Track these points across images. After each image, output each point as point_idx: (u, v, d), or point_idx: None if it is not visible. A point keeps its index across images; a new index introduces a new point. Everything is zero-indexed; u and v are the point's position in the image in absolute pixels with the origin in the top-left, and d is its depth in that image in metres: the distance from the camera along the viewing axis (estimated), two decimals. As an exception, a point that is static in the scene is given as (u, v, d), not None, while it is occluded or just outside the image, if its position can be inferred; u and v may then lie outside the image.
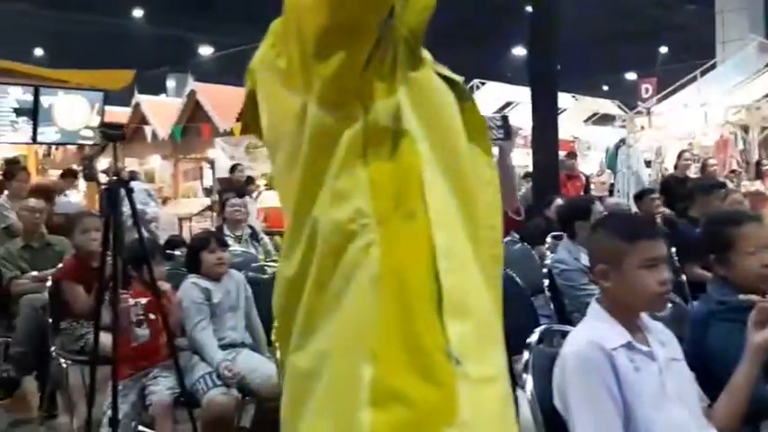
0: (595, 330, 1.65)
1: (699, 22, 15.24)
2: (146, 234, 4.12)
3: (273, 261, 4.85)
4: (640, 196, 5.32)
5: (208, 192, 12.61)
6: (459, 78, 1.05)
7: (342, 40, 0.86)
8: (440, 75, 1.01)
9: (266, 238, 5.71)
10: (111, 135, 2.98)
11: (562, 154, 8.48)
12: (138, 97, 12.69)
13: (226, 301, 3.31)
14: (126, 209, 3.02)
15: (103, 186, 3.15)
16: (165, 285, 3.16)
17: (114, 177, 2.96)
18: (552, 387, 1.64)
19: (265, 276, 3.97)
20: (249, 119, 1.12)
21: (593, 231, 1.84)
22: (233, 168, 8.31)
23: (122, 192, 2.92)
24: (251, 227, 5.73)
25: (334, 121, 0.90)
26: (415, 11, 0.94)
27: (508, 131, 2.35)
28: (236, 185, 7.63)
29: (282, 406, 1.00)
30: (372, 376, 0.84)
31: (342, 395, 0.88)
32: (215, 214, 10.74)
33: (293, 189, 0.95)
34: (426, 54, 1.01)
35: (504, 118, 2.40)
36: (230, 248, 4.44)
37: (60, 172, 7.21)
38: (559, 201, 5.08)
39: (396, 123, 0.91)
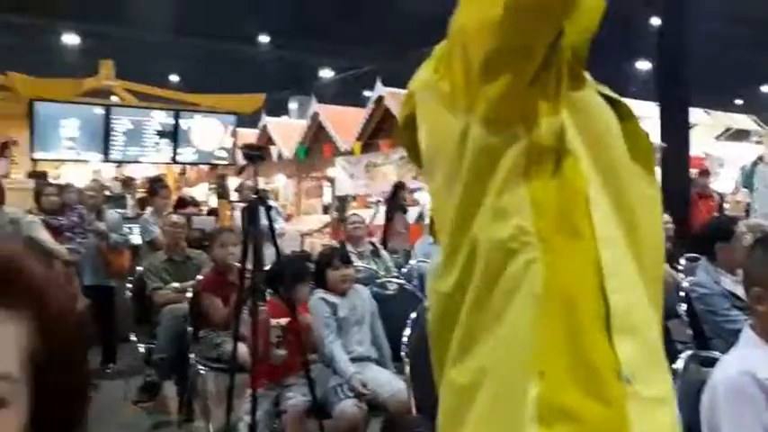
0: (748, 359, 1.55)
1: None
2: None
3: (394, 277, 4.92)
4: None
5: (326, 209, 13.00)
6: (619, 98, 1.04)
7: (509, 63, 0.88)
8: (601, 94, 1.01)
9: (386, 255, 5.80)
10: (252, 156, 3.17)
11: (693, 172, 8.05)
12: (266, 119, 13.34)
13: (351, 315, 3.40)
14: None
15: (244, 204, 3.32)
16: (306, 318, 3.23)
17: (254, 196, 3.14)
18: (699, 415, 1.56)
19: (388, 292, 4.04)
20: (406, 143, 1.16)
21: (752, 251, 1.72)
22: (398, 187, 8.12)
23: (261, 209, 3.10)
24: (372, 243, 5.84)
25: (497, 141, 0.92)
26: (578, 31, 0.94)
27: None
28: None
29: (439, 420, 1.02)
30: (539, 393, 0.85)
31: (505, 412, 0.89)
32: (330, 229, 11.11)
33: (452, 207, 0.97)
34: (587, 75, 1.01)
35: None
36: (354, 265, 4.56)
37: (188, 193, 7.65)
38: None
39: (559, 143, 0.92)
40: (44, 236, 4.98)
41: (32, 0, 13.64)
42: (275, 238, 3.22)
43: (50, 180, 6.74)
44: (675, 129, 6.90)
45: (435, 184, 1.04)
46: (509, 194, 0.92)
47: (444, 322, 1.00)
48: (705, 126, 12.84)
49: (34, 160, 7.14)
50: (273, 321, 3.17)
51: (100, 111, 7.12)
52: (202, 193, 12.27)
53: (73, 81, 7.37)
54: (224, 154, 7.95)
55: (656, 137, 7.08)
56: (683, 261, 4.44)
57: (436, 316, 1.03)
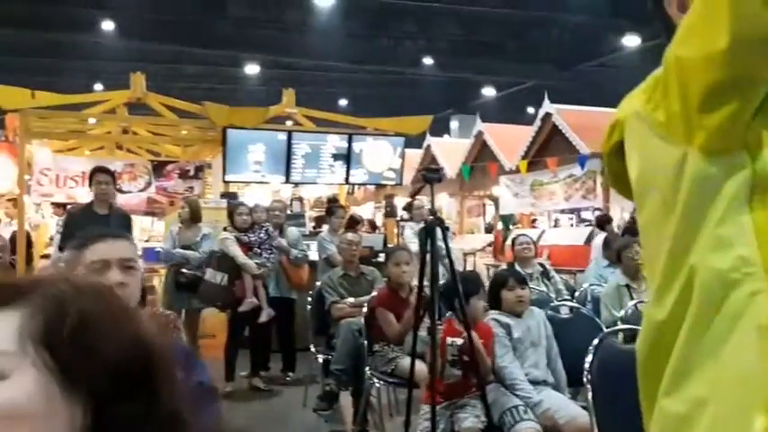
0: None
1: None
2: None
3: (565, 300, 4.82)
4: None
5: (488, 228, 12.95)
6: None
7: (731, 93, 0.88)
8: None
9: (557, 277, 5.69)
10: (430, 178, 3.29)
11: None
12: (429, 139, 13.62)
13: (526, 337, 3.38)
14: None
15: (421, 224, 3.45)
16: (478, 341, 3.23)
17: (431, 216, 3.25)
18: None
19: (563, 316, 3.97)
20: (612, 171, 1.18)
21: None
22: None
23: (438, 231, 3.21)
24: (542, 264, 5.77)
25: (718, 170, 0.92)
26: None
27: None
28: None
29: None
30: (766, 426, 0.84)
31: None
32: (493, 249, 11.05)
33: (667, 235, 0.98)
34: None
35: None
36: (525, 286, 4.53)
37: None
38: None
39: None
40: (236, 251, 5.47)
41: (219, 36, 15.06)
42: (450, 257, 3.30)
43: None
44: None
45: (646, 212, 1.05)
46: (731, 224, 0.91)
47: (657, 350, 1.00)
48: None
49: (226, 182, 7.84)
50: (449, 340, 3.24)
51: (282, 136, 7.68)
52: (368, 211, 12.76)
53: (259, 109, 8.02)
54: (392, 175, 8.24)
55: None
56: None
57: (649, 344, 1.04)
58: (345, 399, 4.68)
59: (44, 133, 7.94)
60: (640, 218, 1.10)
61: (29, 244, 7.30)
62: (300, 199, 9.83)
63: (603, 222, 8.41)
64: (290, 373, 5.94)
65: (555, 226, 12.43)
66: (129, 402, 0.66)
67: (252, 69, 17.82)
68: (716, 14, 0.84)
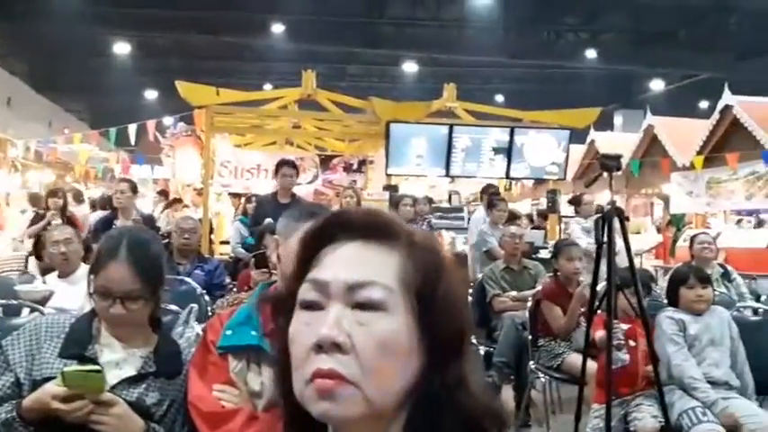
0: None
1: None
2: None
3: (747, 305, 4.46)
4: None
5: (658, 229, 12.23)
6: None
7: None
8: None
9: (739, 279, 5.27)
10: (609, 165, 3.18)
11: None
12: (594, 134, 13.10)
13: (704, 334, 3.19)
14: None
15: (598, 215, 3.34)
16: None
17: (609, 206, 3.14)
18: None
19: (753, 319, 3.68)
20: None
21: None
22: None
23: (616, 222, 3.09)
24: (722, 266, 5.37)
25: None
26: None
27: None
28: None
29: None
30: None
31: None
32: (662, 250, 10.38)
33: None
34: None
35: None
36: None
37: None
38: None
39: None
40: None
41: (379, 36, 15.48)
42: (629, 249, 3.17)
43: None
44: None
45: None
46: None
47: None
48: None
49: (389, 175, 8.06)
50: (615, 324, 3.14)
51: (444, 130, 7.75)
52: (525, 208, 12.52)
53: (422, 103, 8.15)
54: (555, 169, 8.02)
55: None
56: None
57: None
58: (507, 392, 4.66)
59: (226, 128, 8.59)
60: None
61: (210, 230, 7.94)
62: (458, 193, 9.86)
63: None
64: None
65: (738, 225, 11.48)
66: (446, 372, 0.72)
67: (410, 67, 18.12)
68: None
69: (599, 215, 3.25)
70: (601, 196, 13.31)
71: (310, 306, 0.70)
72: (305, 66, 8.89)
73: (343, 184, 8.17)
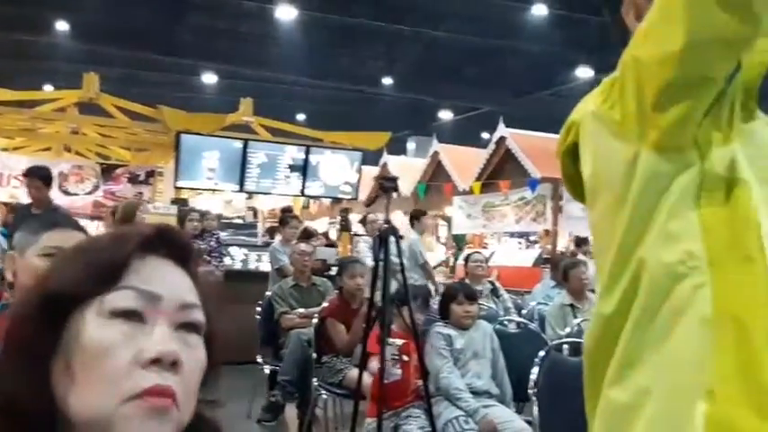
0: None
1: None
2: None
3: (510, 319, 4.88)
4: None
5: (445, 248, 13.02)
6: None
7: (684, 93, 0.92)
8: None
9: (506, 295, 5.76)
10: (386, 186, 3.30)
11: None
12: (386, 157, 13.70)
13: (469, 347, 3.41)
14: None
15: (375, 234, 3.45)
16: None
17: (386, 225, 3.26)
18: None
19: (510, 331, 4.01)
20: (565, 172, 1.20)
21: None
22: None
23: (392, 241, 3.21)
24: (491, 282, 5.84)
25: (669, 168, 0.95)
26: (752, 65, 0.98)
27: None
28: None
29: None
30: (707, 412, 0.87)
31: (670, 430, 0.91)
32: (447, 269, 11.10)
33: (618, 231, 1.00)
34: (756, 108, 1.03)
35: None
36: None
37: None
38: None
39: (730, 171, 0.95)
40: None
41: (177, 44, 14.88)
42: (403, 265, 3.31)
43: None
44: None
45: (599, 209, 1.08)
46: (679, 219, 0.95)
47: (604, 343, 1.02)
48: None
49: (177, 188, 7.71)
50: (389, 340, 3.25)
51: (238, 144, 7.61)
52: (323, 226, 12.70)
53: (216, 116, 7.94)
54: (348, 189, 8.24)
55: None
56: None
57: (596, 337, 1.06)
58: (291, 411, 4.62)
59: (-9, 130, 7.70)
60: (592, 215, 1.12)
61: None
62: (254, 210, 9.72)
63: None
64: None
65: (519, 245, 12.59)
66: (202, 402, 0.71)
67: (209, 79, 17.65)
68: (673, 17, 0.88)
69: (377, 234, 3.36)
70: (392, 216, 13.90)
71: (127, 315, 0.62)
72: (91, 68, 8.25)
73: (127, 195, 7.67)
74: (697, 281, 0.92)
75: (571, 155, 1.15)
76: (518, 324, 4.55)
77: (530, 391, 2.70)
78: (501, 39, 14.10)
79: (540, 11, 12.75)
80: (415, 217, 7.43)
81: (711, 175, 0.95)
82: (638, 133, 0.97)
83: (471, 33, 13.93)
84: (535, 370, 2.74)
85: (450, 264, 11.04)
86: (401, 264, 3.30)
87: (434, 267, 11.37)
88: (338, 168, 8.05)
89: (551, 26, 13.33)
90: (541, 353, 2.77)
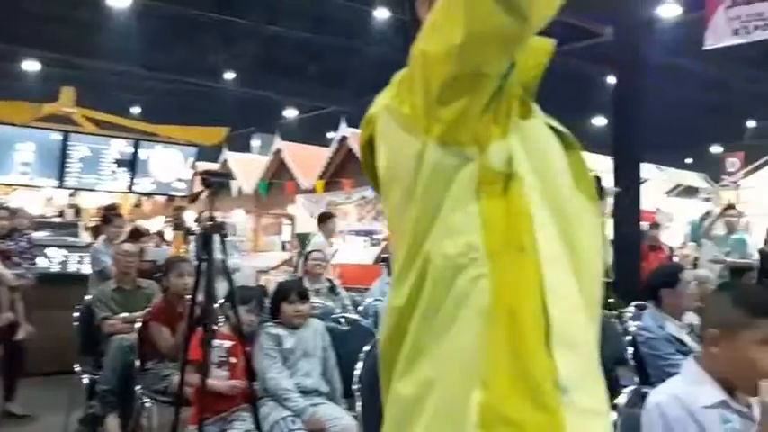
0: (684, 386, 1.66)
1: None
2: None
3: (345, 315, 4.91)
4: (740, 272, 5.06)
5: (285, 246, 12.91)
6: (565, 130, 1.10)
7: (465, 88, 0.94)
8: (549, 126, 1.07)
9: (344, 293, 5.79)
10: (212, 182, 3.16)
11: (645, 225, 8.28)
12: (227, 154, 13.31)
13: (299, 347, 3.38)
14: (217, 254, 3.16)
15: (199, 231, 3.30)
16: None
17: (210, 223, 3.12)
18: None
19: (343, 328, 4.02)
20: (365, 165, 1.20)
21: (715, 293, 1.82)
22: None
23: (216, 237, 3.08)
24: (330, 280, 5.84)
25: (451, 162, 0.97)
26: (528, 66, 1.02)
27: (600, 192, 2.37)
28: None
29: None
30: (481, 401, 0.88)
31: (449, 421, 0.92)
32: (292, 268, 11.02)
33: (407, 223, 1.01)
34: (536, 106, 1.07)
35: (598, 179, 2.42)
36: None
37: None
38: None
39: (508, 166, 0.98)
40: (-10, 259, 4.84)
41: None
42: (227, 267, 3.19)
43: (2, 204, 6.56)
44: (628, 183, 7.11)
45: (392, 202, 1.08)
46: (461, 212, 0.97)
47: (394, 336, 1.03)
48: (657, 181, 13.28)
49: (-13, 184, 6.97)
50: (216, 342, 3.14)
51: (57, 136, 7.00)
52: (158, 225, 12.09)
53: (31, 105, 7.25)
54: (182, 186, 7.88)
55: (610, 186, 7.29)
56: (631, 308, 4.54)
57: (388, 330, 1.06)
58: (113, 422, 4.31)
59: None
60: (386, 208, 1.13)
61: None
62: (76, 207, 9.00)
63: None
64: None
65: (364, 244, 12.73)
66: None
67: (31, 66, 16.16)
68: (454, 12, 0.90)
69: (202, 232, 3.21)
70: (230, 215, 13.55)
71: None
72: None
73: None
74: (477, 272, 0.94)
75: (370, 148, 1.15)
76: (351, 321, 4.58)
77: (354, 387, 2.71)
78: (345, 39, 14.24)
79: (382, 14, 13.01)
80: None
81: (490, 168, 0.97)
82: (425, 127, 0.98)
83: (315, 32, 13.93)
84: (360, 365, 2.75)
85: (295, 263, 10.96)
86: (224, 263, 3.17)
87: (277, 267, 11.27)
88: (171, 164, 7.68)
89: (393, 29, 13.68)
90: (366, 348, 2.78)
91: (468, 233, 0.96)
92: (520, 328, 0.90)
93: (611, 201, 6.45)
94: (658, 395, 1.66)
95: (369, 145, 1.16)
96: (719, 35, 8.29)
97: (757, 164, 11.09)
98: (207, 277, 3.03)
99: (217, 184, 3.16)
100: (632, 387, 1.95)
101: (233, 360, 3.26)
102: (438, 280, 0.96)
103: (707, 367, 1.67)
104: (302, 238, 11.82)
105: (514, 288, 0.93)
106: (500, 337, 0.90)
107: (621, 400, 1.90)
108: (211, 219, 3.15)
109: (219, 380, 3.19)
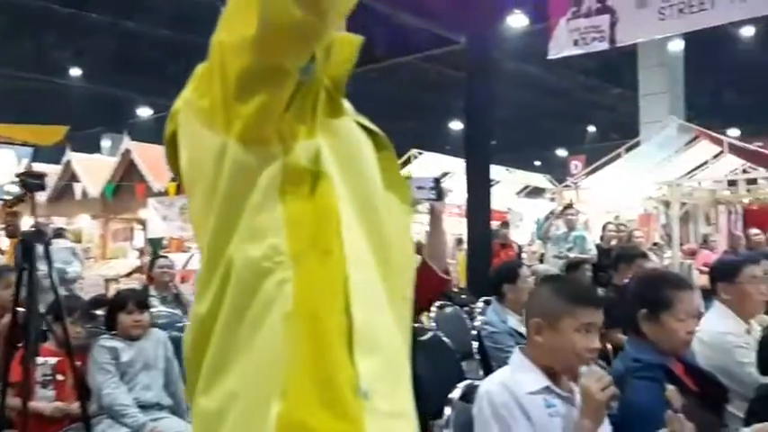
0: (511, 375, 1.72)
1: (624, 105, 16.16)
2: (64, 293, 3.98)
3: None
4: (575, 266, 5.41)
5: (140, 253, 12.28)
6: (377, 129, 1.08)
7: (263, 83, 0.89)
8: (360, 125, 1.05)
9: (186, 300, 5.56)
10: (31, 185, 2.89)
11: (496, 224, 8.68)
12: (70, 154, 12.42)
13: (138, 359, 3.19)
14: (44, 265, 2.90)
15: (19, 238, 3.02)
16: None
17: (31, 229, 2.85)
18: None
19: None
20: (170, 162, 1.12)
21: (539, 285, 1.90)
22: None
23: (39, 246, 2.81)
24: (175, 286, 5.59)
25: (254, 160, 0.92)
26: (336, 63, 0.98)
27: (440, 193, 2.42)
28: None
29: None
30: (280, 412, 0.84)
31: None
32: (145, 276, 10.48)
33: (210, 224, 0.95)
34: (347, 104, 1.05)
35: (437, 180, 2.46)
36: (155, 309, 4.31)
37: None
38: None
39: (314, 165, 0.94)
40: None
41: None
42: (53, 278, 2.94)
43: None
44: (479, 184, 7.42)
45: (195, 202, 1.01)
46: (265, 214, 0.92)
47: (198, 346, 0.96)
48: (507, 183, 14.01)
49: None
50: (41, 360, 2.89)
51: None
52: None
53: None
54: (16, 189, 7.23)
55: (463, 190, 7.58)
56: (480, 303, 4.71)
57: (191, 339, 0.99)
58: None
59: None
60: (191, 208, 1.06)
61: None
62: None
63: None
64: None
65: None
66: None
67: None
68: (250, 2, 0.85)
69: (21, 239, 2.93)
70: (75, 221, 12.70)
71: None
72: None
73: None
74: (281, 276, 0.90)
75: (174, 144, 1.07)
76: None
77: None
78: (200, 37, 13.80)
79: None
80: None
81: (295, 168, 0.93)
82: (225, 123, 0.92)
83: (173, 29, 13.40)
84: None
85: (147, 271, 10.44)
86: (50, 274, 2.91)
87: (128, 275, 10.66)
88: (3, 165, 7.03)
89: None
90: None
91: (272, 235, 0.91)
92: (322, 333, 0.87)
93: (452, 201, 6.67)
94: (487, 384, 1.72)
95: (172, 142, 1.08)
96: (561, 46, 8.88)
97: (595, 165, 11.99)
98: (29, 288, 2.77)
99: (36, 186, 2.89)
100: (466, 382, 1.99)
101: (60, 377, 3.00)
102: (242, 286, 0.91)
103: (532, 356, 1.74)
104: (155, 244, 11.28)
105: (318, 292, 0.89)
106: (302, 343, 0.87)
107: (455, 394, 1.93)
108: (35, 225, 2.88)
109: (44, 401, 2.93)
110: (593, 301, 1.74)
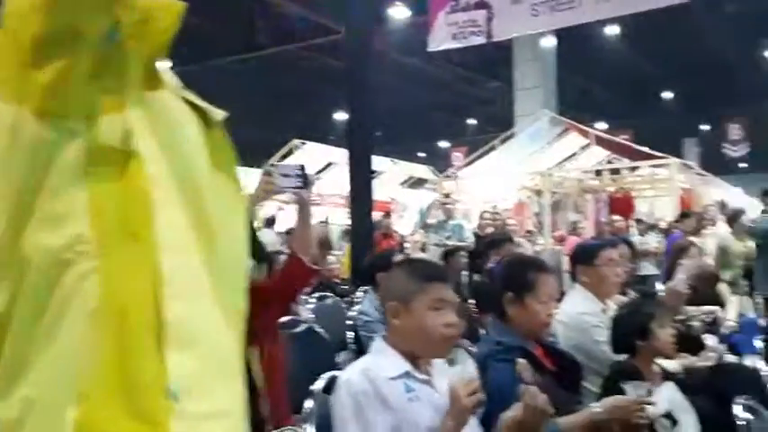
0: (371, 361, 1.71)
1: (501, 98, 16.76)
2: None
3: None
4: (452, 253, 5.56)
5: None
6: (206, 105, 1.00)
7: (58, 49, 0.81)
8: (186, 100, 0.97)
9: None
10: None
11: (380, 214, 8.74)
12: None
13: None
14: None
15: None
16: None
17: None
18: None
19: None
20: None
21: (393, 270, 1.90)
22: None
23: None
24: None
25: (53, 136, 0.82)
26: (154, 31, 0.90)
27: (306, 180, 2.38)
28: None
29: None
30: (77, 418, 0.76)
31: None
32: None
33: (2, 210, 0.84)
34: (171, 78, 0.96)
35: (302, 167, 2.41)
36: None
37: None
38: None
39: (124, 143, 0.85)
40: None
41: None
42: None
43: None
44: (361, 174, 7.42)
45: None
46: (66, 198, 0.82)
47: None
48: (391, 174, 14.18)
49: None
50: None
51: None
52: None
53: None
54: None
55: (346, 181, 7.57)
56: (359, 293, 4.72)
57: None
58: None
59: None
60: None
61: None
62: None
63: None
64: None
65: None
66: None
67: None
68: None
69: None
70: None
71: None
72: None
73: None
74: (85, 268, 0.80)
75: None
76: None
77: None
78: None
79: None
80: None
81: (101, 146, 0.84)
82: (20, 94, 0.82)
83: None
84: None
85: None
86: None
87: None
88: None
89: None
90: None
91: (75, 222, 0.81)
92: (129, 328, 0.79)
93: (323, 191, 6.57)
94: (347, 373, 1.69)
95: None
96: (440, 39, 9.08)
97: (472, 157, 12.37)
98: None
99: None
100: (330, 373, 1.95)
101: None
102: (39, 280, 0.81)
103: (391, 341, 1.74)
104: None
105: (125, 283, 0.81)
106: (107, 342, 0.79)
107: (318, 385, 1.89)
108: None
109: None
110: (440, 278, 1.76)
